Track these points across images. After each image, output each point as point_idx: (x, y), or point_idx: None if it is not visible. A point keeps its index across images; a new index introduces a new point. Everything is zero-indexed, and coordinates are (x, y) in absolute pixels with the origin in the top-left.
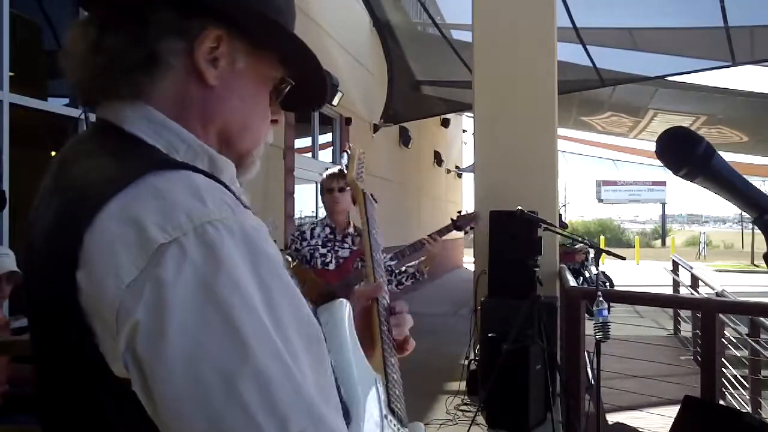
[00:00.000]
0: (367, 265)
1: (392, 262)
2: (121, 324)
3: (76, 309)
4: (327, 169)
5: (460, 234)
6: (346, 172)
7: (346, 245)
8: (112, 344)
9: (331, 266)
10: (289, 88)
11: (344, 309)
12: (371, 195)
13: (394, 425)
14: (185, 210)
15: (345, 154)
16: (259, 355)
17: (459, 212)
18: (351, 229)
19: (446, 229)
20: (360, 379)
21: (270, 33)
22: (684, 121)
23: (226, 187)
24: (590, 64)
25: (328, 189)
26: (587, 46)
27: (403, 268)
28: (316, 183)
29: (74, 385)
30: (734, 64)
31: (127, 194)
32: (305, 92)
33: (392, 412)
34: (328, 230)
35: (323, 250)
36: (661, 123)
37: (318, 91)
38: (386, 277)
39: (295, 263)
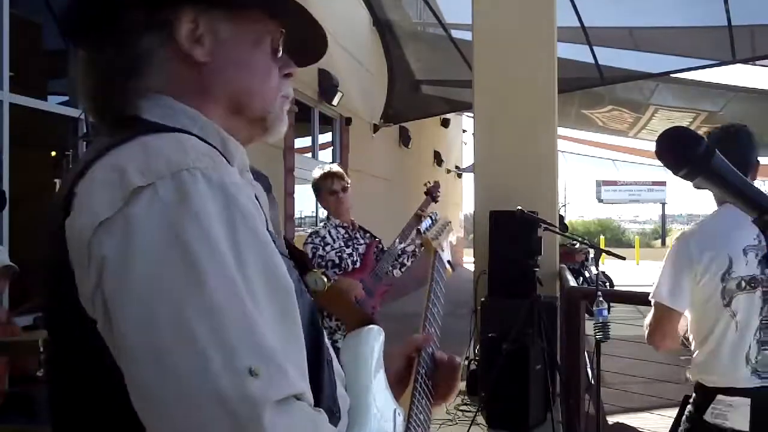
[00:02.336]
0: (422, 314)
1: (401, 245)
2: (92, 259)
3: (63, 253)
4: (318, 170)
5: (461, 234)
6: (423, 233)
7: (362, 240)
8: (84, 281)
9: (357, 264)
10: (282, 37)
11: (372, 335)
12: (446, 260)
13: None
14: (165, 158)
15: (429, 218)
16: (214, 291)
17: (426, 184)
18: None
19: (426, 202)
20: (375, 398)
21: None
22: (684, 119)
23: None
24: (592, 61)
25: (331, 191)
26: (593, 47)
27: (404, 248)
28: None
29: (65, 339)
30: (734, 61)
31: (119, 149)
32: (302, 43)
33: None
34: (342, 231)
35: (348, 251)
36: (662, 120)
37: (314, 36)
38: (435, 328)
39: (330, 284)
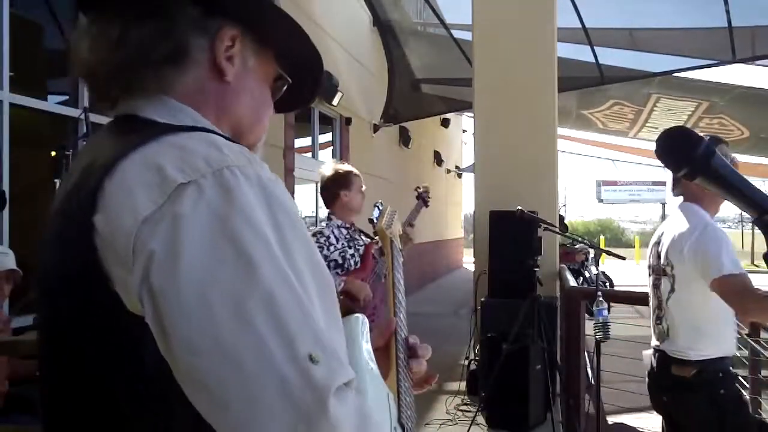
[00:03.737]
0: (389, 303)
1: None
2: (137, 255)
3: (91, 250)
4: (341, 164)
5: (461, 234)
6: (376, 222)
7: (361, 241)
8: (125, 278)
9: (358, 265)
10: (285, 86)
11: (359, 324)
12: (398, 247)
13: None
14: (203, 156)
15: (376, 208)
16: (270, 281)
17: (417, 188)
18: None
19: (418, 206)
20: (372, 387)
21: (276, 24)
22: (686, 108)
23: None
24: (592, 61)
25: (360, 189)
26: (594, 47)
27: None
28: (316, 183)
29: (85, 338)
30: (734, 61)
31: (147, 148)
32: (298, 88)
33: (402, 426)
34: (344, 231)
35: (351, 251)
36: (663, 111)
37: (312, 80)
38: (403, 313)
39: None
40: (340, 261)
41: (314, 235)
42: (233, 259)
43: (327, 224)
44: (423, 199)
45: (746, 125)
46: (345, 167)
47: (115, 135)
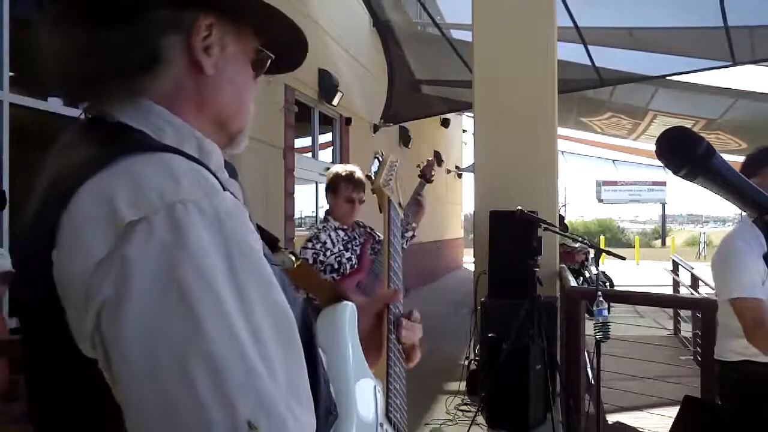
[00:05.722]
0: (384, 270)
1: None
2: (90, 302)
3: (50, 286)
4: (343, 168)
5: (461, 234)
6: (374, 178)
7: (358, 240)
8: (80, 323)
9: (356, 266)
10: (268, 59)
11: (346, 312)
12: (397, 203)
13: None
14: (157, 189)
15: (376, 160)
16: (213, 336)
17: (418, 165)
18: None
19: (420, 186)
20: (356, 382)
21: (248, 3)
22: (683, 125)
23: (211, 172)
24: (590, 64)
25: (349, 199)
26: (588, 46)
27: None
28: (317, 183)
29: (50, 366)
30: (734, 64)
31: (101, 176)
32: (283, 55)
33: (389, 421)
34: (342, 233)
35: (348, 254)
36: (660, 126)
37: (295, 47)
38: (398, 283)
39: (299, 262)
40: (336, 266)
41: (310, 240)
42: (179, 310)
43: (323, 227)
44: (425, 176)
45: (744, 137)
46: (340, 170)
47: (80, 145)
